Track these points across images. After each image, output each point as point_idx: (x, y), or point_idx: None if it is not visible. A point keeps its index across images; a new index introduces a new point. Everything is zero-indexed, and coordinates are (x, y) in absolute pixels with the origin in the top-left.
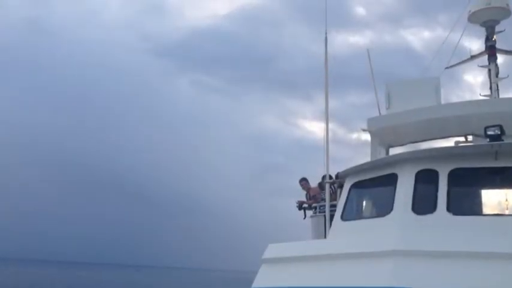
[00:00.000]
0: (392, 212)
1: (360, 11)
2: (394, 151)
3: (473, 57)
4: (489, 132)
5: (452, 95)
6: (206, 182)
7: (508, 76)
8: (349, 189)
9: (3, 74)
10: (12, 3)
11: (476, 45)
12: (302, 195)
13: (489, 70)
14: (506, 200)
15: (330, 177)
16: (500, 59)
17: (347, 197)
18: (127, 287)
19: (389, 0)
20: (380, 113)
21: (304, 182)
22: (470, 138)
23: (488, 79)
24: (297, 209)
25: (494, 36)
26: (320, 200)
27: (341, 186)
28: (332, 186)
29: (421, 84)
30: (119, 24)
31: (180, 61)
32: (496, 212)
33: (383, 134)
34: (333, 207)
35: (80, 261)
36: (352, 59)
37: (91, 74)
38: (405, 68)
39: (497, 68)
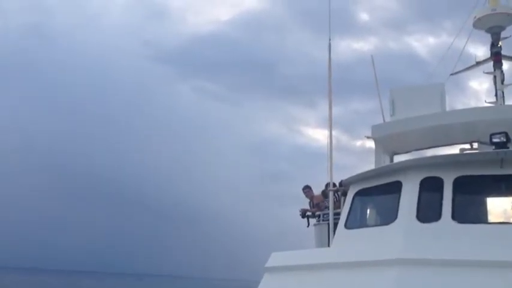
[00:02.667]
0: (396, 220)
1: (364, 16)
2: (398, 158)
3: (478, 63)
4: (494, 140)
5: (457, 102)
6: (208, 189)
7: None
8: (353, 197)
9: (2, 79)
10: (12, 8)
11: (481, 51)
12: (305, 203)
13: (494, 77)
14: None
15: (334, 184)
16: (506, 65)
17: (351, 205)
18: None
19: (394, 6)
20: (384, 120)
21: (307, 189)
22: (475, 145)
23: (493, 86)
24: (300, 217)
25: (500, 43)
26: (323, 208)
27: (345, 194)
28: (336, 194)
29: (425, 90)
30: (120, 30)
31: (181, 67)
32: (501, 220)
33: (387, 141)
34: (337, 215)
35: (80, 270)
36: (356, 65)
37: (92, 80)
38: (409, 74)
39: (503, 74)
